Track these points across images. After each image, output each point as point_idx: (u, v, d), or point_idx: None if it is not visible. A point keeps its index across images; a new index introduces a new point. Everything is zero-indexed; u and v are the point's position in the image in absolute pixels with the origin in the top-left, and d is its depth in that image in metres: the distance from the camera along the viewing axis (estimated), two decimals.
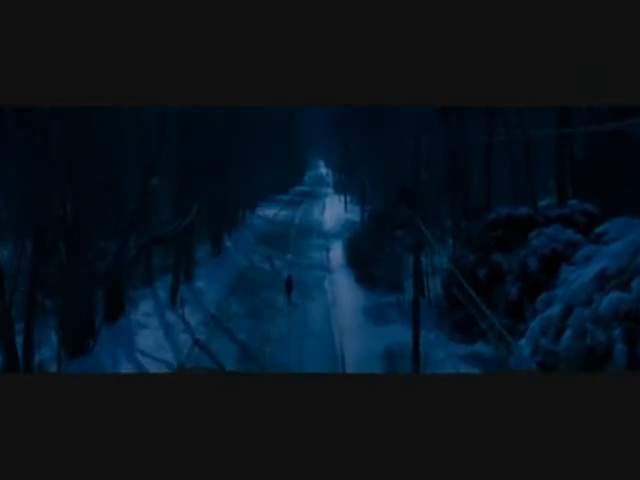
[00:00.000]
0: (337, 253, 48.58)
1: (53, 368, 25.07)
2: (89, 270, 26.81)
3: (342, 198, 76.73)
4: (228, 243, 51.70)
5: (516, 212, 26.52)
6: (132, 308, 31.77)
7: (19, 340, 22.15)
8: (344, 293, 37.27)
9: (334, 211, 74.21)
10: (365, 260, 37.41)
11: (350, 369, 25.37)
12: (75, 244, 26.04)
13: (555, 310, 14.00)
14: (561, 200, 28.79)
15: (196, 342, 28.86)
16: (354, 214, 61.74)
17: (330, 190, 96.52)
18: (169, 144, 35.78)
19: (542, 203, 29.85)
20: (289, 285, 36.61)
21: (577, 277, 13.98)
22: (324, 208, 78.66)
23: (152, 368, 25.49)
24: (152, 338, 28.67)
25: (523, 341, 15.32)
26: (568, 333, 12.50)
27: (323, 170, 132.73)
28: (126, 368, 25.29)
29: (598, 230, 19.97)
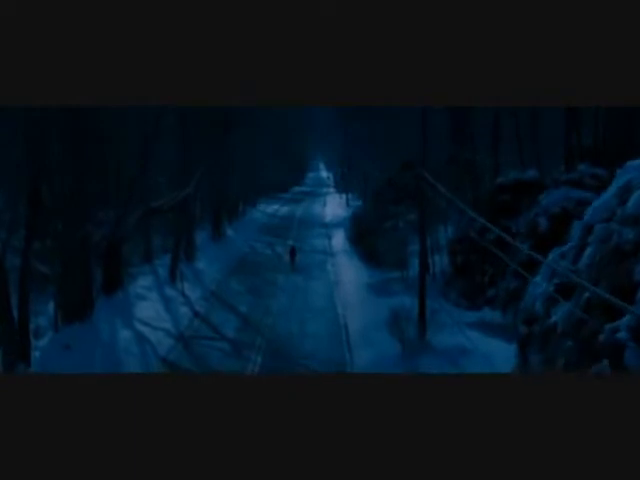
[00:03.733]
0: (339, 240, 47.99)
1: (49, 334, 24.52)
2: (86, 240, 26.23)
3: (343, 196, 76.09)
4: (229, 231, 51.10)
5: (524, 176, 26.01)
6: (131, 282, 31.20)
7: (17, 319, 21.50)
8: (347, 271, 36.68)
9: (335, 205, 73.70)
10: (368, 236, 36.84)
11: (354, 337, 24.77)
12: (72, 213, 25.45)
13: (573, 237, 13.37)
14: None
15: (196, 314, 28.23)
16: (356, 208, 61.15)
17: (331, 189, 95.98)
18: (168, 144, 35.45)
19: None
20: (292, 253, 38.97)
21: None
22: (325, 204, 78.10)
23: (151, 336, 24.89)
24: (151, 309, 28.08)
25: (538, 278, 14.68)
26: (589, 250, 11.86)
27: (324, 173, 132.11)
28: (124, 336, 24.69)
29: None
